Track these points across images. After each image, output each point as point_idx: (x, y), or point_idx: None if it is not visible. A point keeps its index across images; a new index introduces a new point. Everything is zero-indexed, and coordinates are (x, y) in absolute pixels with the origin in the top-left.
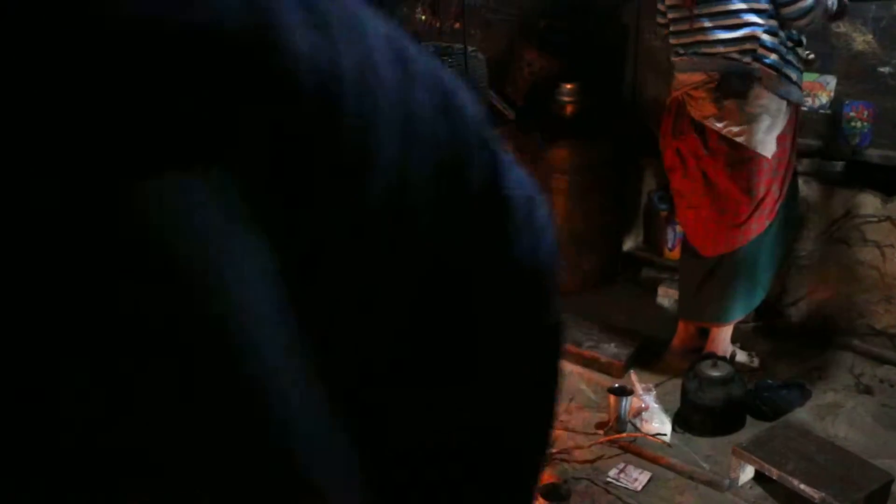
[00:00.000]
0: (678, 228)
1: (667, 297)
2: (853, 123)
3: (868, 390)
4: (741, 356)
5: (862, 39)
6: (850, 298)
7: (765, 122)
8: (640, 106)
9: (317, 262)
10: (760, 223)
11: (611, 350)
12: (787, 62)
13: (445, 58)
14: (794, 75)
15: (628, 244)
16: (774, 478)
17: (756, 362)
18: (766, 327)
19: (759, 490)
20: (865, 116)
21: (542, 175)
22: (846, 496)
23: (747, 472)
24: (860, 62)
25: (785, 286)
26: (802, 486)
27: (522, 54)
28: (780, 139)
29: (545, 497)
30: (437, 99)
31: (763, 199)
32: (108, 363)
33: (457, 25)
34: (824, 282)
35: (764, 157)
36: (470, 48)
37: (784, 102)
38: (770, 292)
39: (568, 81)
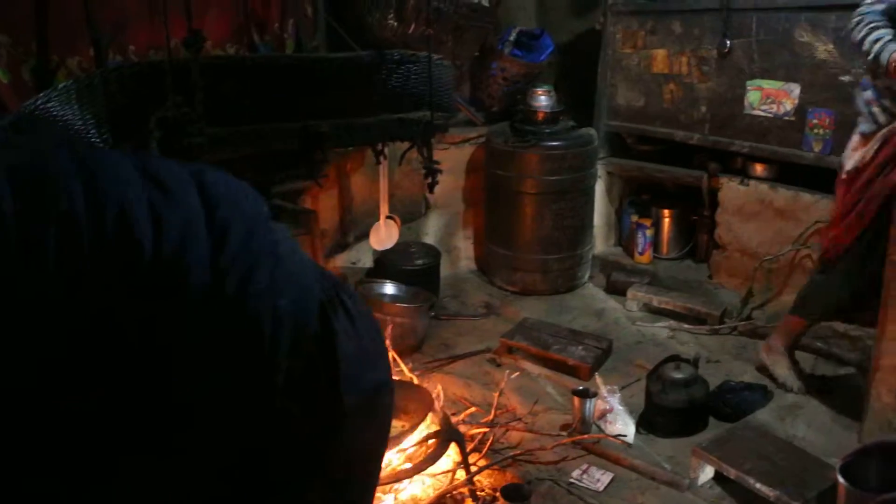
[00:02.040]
0: (648, 233)
1: (635, 300)
2: (816, 130)
3: (829, 391)
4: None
5: (823, 49)
6: None
7: None
8: (612, 112)
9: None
10: None
11: (578, 353)
12: None
13: (410, 65)
14: None
15: (599, 247)
16: (732, 477)
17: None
18: (731, 329)
19: (718, 490)
20: (828, 124)
21: (514, 179)
22: (800, 494)
23: (707, 473)
24: (823, 71)
25: (751, 290)
26: (758, 486)
27: (495, 60)
28: None
29: (506, 498)
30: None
31: None
32: None
33: (429, 32)
34: (789, 285)
35: None
36: (435, 56)
37: None
38: (736, 296)
39: (540, 87)
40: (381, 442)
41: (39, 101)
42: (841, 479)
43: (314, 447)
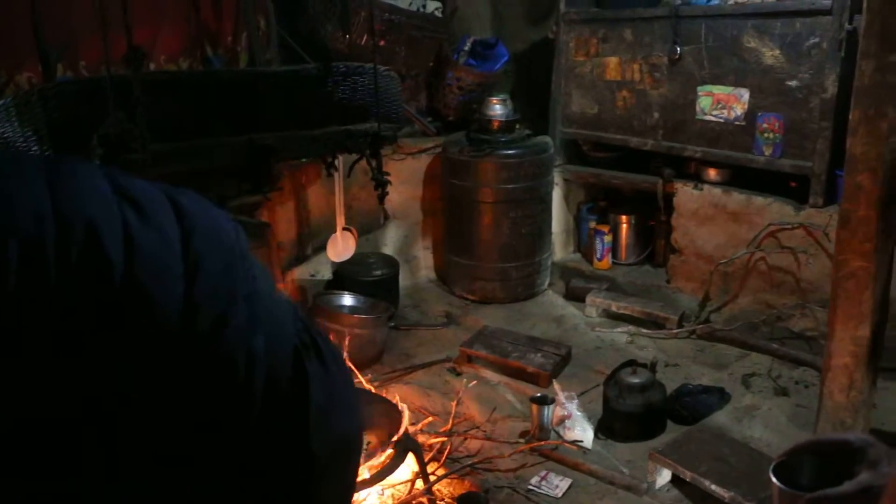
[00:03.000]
0: (606, 239)
1: (594, 306)
2: (766, 134)
3: (784, 392)
4: None
5: (770, 54)
6: (769, 304)
7: None
8: (567, 120)
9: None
10: None
11: (537, 360)
12: None
13: (357, 77)
14: None
15: (558, 255)
16: (688, 480)
17: None
18: (689, 333)
19: (675, 492)
20: (777, 128)
21: (470, 188)
22: (754, 495)
23: (664, 476)
24: (770, 76)
25: (708, 294)
26: (713, 487)
27: (451, 70)
28: None
29: None
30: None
31: None
32: None
33: (381, 43)
34: (745, 288)
35: None
36: (383, 67)
37: None
38: (694, 300)
39: (495, 96)
40: (348, 496)
41: None
42: (773, 479)
43: (279, 499)
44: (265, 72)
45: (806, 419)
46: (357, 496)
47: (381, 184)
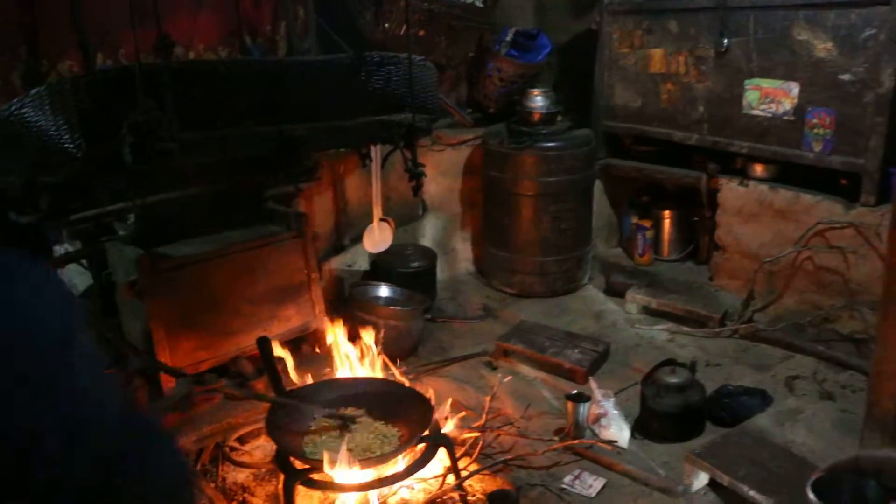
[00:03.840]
0: (648, 234)
1: (635, 302)
2: (816, 130)
3: (830, 396)
4: None
5: (822, 47)
6: (816, 304)
7: None
8: (609, 113)
9: None
10: None
11: (574, 356)
12: None
13: (391, 67)
14: None
15: (599, 249)
16: (726, 484)
17: None
18: (731, 332)
19: (712, 497)
20: (828, 123)
21: (510, 180)
22: (794, 503)
23: (701, 479)
24: (822, 70)
25: (752, 292)
26: (752, 493)
27: (492, 61)
28: None
29: (494, 503)
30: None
31: None
32: None
33: (421, 33)
34: (790, 288)
35: None
36: (417, 57)
37: None
38: (738, 298)
39: (537, 88)
40: None
41: (14, 107)
42: (811, 496)
43: None
44: (296, 61)
45: (852, 425)
46: (388, 489)
47: (415, 176)
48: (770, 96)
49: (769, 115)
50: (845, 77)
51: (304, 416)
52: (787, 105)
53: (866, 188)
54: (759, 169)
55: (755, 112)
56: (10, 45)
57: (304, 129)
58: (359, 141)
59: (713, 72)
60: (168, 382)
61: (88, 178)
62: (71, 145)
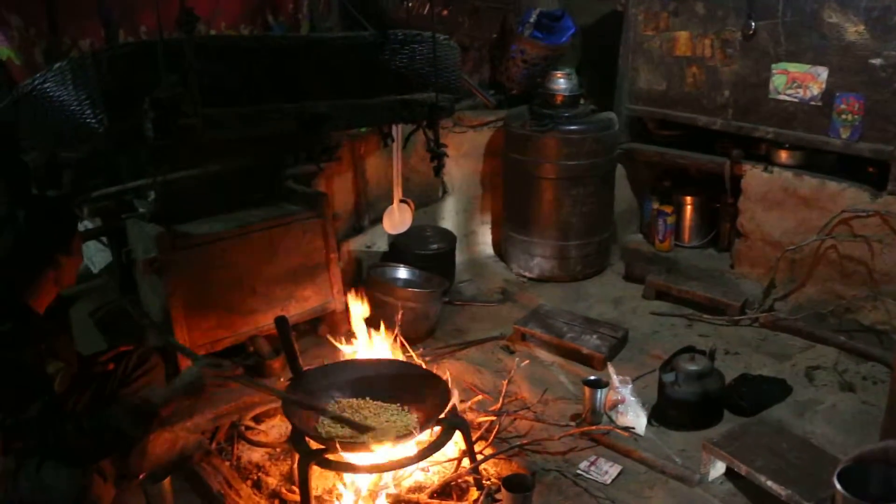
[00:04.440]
0: (669, 220)
1: (654, 288)
2: (844, 116)
3: (850, 387)
4: None
5: (854, 30)
6: (838, 294)
7: None
8: (633, 96)
9: None
10: None
11: (592, 342)
12: None
13: (415, 45)
14: None
15: (621, 235)
16: (743, 474)
17: None
18: (751, 321)
19: (729, 486)
20: (857, 109)
21: (532, 163)
22: (813, 494)
23: (718, 468)
24: (852, 53)
25: (773, 281)
26: (770, 483)
27: (515, 43)
28: None
29: (508, 488)
30: None
31: None
32: None
33: (444, 13)
34: (813, 277)
35: None
36: (441, 36)
37: None
38: (759, 287)
39: (560, 70)
40: None
41: (37, 82)
42: (838, 486)
43: None
44: (319, 38)
45: (872, 418)
46: (403, 472)
47: (437, 156)
48: (797, 81)
49: (796, 100)
50: (876, 62)
51: (321, 398)
52: (815, 90)
53: (894, 176)
54: (783, 155)
55: (782, 97)
56: (33, 21)
57: (327, 106)
58: (381, 120)
59: (739, 55)
60: (185, 361)
61: (110, 154)
62: (93, 120)
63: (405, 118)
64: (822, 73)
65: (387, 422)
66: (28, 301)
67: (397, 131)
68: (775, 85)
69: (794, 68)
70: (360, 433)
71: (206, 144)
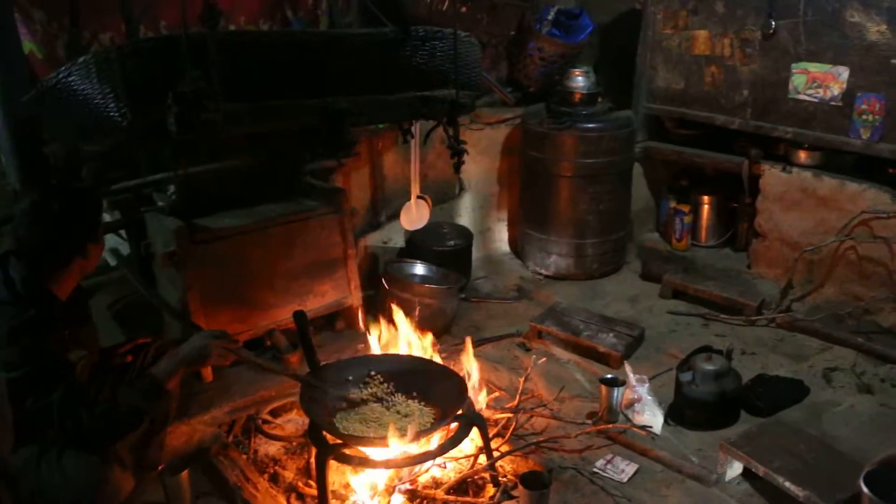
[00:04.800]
0: (686, 219)
1: (670, 286)
2: (865, 116)
3: (868, 389)
4: None
5: (876, 30)
6: (857, 295)
7: None
8: (651, 95)
9: None
10: None
11: (609, 340)
12: None
13: (436, 42)
14: None
15: (637, 233)
16: (761, 474)
17: None
18: (768, 321)
19: (746, 486)
20: (878, 109)
21: (549, 161)
22: (831, 496)
23: (735, 468)
24: (874, 53)
25: (791, 281)
26: (787, 484)
27: (533, 40)
28: None
29: (525, 485)
30: None
31: None
32: None
33: (463, 10)
34: (831, 278)
35: None
36: (463, 32)
37: None
38: (776, 287)
39: (578, 68)
40: None
41: (61, 75)
42: (864, 489)
43: None
44: (341, 34)
45: (891, 420)
46: (420, 467)
47: (457, 152)
48: (818, 81)
49: (816, 100)
50: None
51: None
52: (836, 90)
53: None
54: (802, 155)
55: (801, 97)
56: (56, 15)
57: (348, 102)
58: (402, 116)
59: (759, 55)
60: None
61: (131, 147)
62: (116, 114)
63: (426, 115)
64: (843, 72)
65: (404, 417)
66: (52, 288)
67: (416, 128)
68: (795, 85)
69: (815, 68)
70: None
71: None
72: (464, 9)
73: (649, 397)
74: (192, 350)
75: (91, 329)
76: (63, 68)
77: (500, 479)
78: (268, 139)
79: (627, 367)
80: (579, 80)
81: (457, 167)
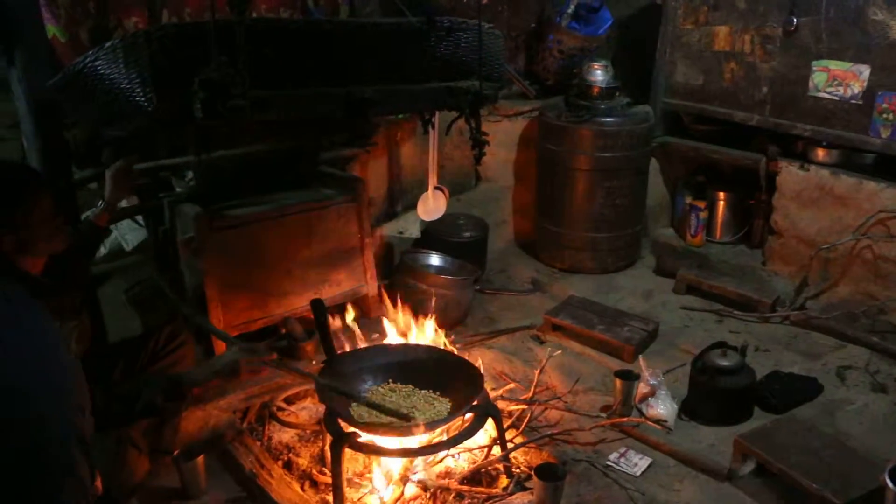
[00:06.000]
0: (702, 215)
1: (685, 282)
2: (885, 115)
3: (882, 388)
4: None
5: None
6: (872, 295)
7: None
8: (669, 90)
9: None
10: None
11: (623, 334)
12: None
13: (460, 33)
14: None
15: (652, 228)
16: (775, 471)
17: None
18: (783, 318)
19: (758, 482)
20: None
21: (566, 154)
22: (845, 494)
23: (748, 464)
24: None
25: (806, 279)
26: (805, 481)
27: (552, 33)
28: None
29: (540, 476)
30: None
31: None
32: None
33: (485, 1)
34: (846, 276)
35: None
36: (487, 24)
37: None
38: (791, 285)
39: (597, 62)
40: None
41: (88, 60)
42: (890, 484)
43: None
44: (367, 23)
45: None
46: (433, 457)
47: (479, 143)
48: (838, 79)
49: (836, 98)
50: None
51: (354, 382)
52: (856, 88)
53: None
54: (820, 153)
55: (821, 95)
56: (80, 0)
57: (373, 91)
58: (426, 106)
59: (780, 52)
60: (219, 344)
61: (153, 132)
62: (142, 99)
63: (450, 105)
64: (864, 71)
65: (419, 408)
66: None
67: (436, 118)
68: (815, 82)
69: (836, 66)
70: (397, 419)
71: (250, 126)
72: (485, 0)
73: (663, 391)
74: (225, 365)
75: (82, 321)
76: (90, 53)
77: (513, 470)
78: (290, 126)
79: (641, 362)
80: (598, 74)
81: (477, 159)
